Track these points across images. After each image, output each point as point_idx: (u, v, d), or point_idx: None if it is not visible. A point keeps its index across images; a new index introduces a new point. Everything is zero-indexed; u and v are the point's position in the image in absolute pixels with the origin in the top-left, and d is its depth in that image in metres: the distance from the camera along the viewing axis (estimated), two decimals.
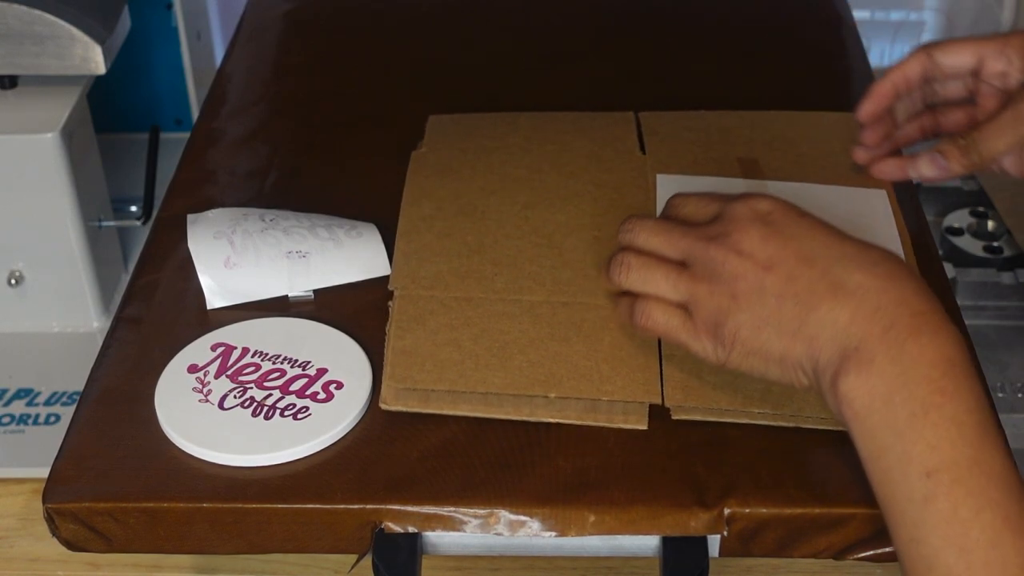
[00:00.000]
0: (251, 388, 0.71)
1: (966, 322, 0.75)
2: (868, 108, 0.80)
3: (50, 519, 0.66)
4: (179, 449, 0.68)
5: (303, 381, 0.71)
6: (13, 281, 1.00)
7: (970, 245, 1.06)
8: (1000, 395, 0.93)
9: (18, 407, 0.96)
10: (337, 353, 0.73)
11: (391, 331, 0.74)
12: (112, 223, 1.05)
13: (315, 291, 0.78)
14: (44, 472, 0.68)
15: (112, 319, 0.78)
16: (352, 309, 0.77)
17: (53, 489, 0.66)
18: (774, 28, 1.09)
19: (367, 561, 0.65)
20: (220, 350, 0.73)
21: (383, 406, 0.69)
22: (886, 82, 0.79)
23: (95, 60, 0.93)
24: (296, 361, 0.72)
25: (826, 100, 0.95)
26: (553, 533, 0.65)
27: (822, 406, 0.68)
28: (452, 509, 0.65)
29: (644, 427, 0.68)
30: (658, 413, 0.69)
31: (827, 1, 1.11)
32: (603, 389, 0.69)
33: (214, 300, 0.77)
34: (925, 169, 0.77)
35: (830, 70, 1.02)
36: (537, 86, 0.99)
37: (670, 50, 1.05)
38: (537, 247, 0.79)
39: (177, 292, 0.79)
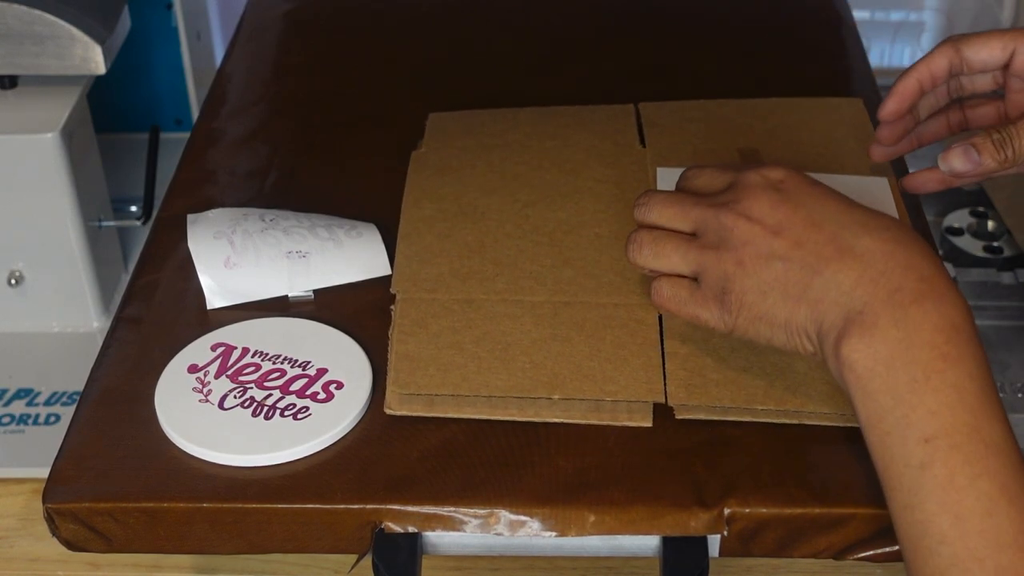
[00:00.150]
0: (251, 388, 0.71)
1: None
2: (891, 107, 0.76)
3: (50, 519, 0.66)
4: (179, 449, 0.68)
5: (303, 381, 0.71)
6: (13, 281, 1.00)
7: (970, 245, 1.06)
8: (1000, 395, 0.93)
9: (18, 407, 0.96)
10: (337, 353, 0.73)
11: (393, 336, 0.74)
12: (112, 223, 1.05)
13: (315, 291, 0.78)
14: (44, 472, 0.68)
15: (112, 319, 0.78)
16: (352, 309, 0.77)
17: (53, 489, 0.66)
18: (774, 28, 1.09)
19: (367, 561, 0.65)
20: (220, 350, 0.73)
21: (387, 411, 0.69)
22: (910, 79, 0.75)
23: (95, 60, 0.93)
24: (296, 361, 0.72)
25: None
26: (553, 533, 0.65)
27: (825, 402, 0.68)
28: (452, 509, 0.65)
29: (649, 424, 0.68)
30: (659, 412, 0.69)
31: (827, 1, 1.11)
32: (606, 389, 0.69)
33: (214, 300, 0.77)
34: (957, 162, 0.71)
35: (830, 70, 1.02)
36: (537, 86, 0.99)
37: (670, 50, 1.05)
38: (538, 245, 0.79)
39: (177, 292, 0.79)
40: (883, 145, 0.79)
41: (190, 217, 0.82)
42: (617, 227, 0.80)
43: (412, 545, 0.65)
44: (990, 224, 1.08)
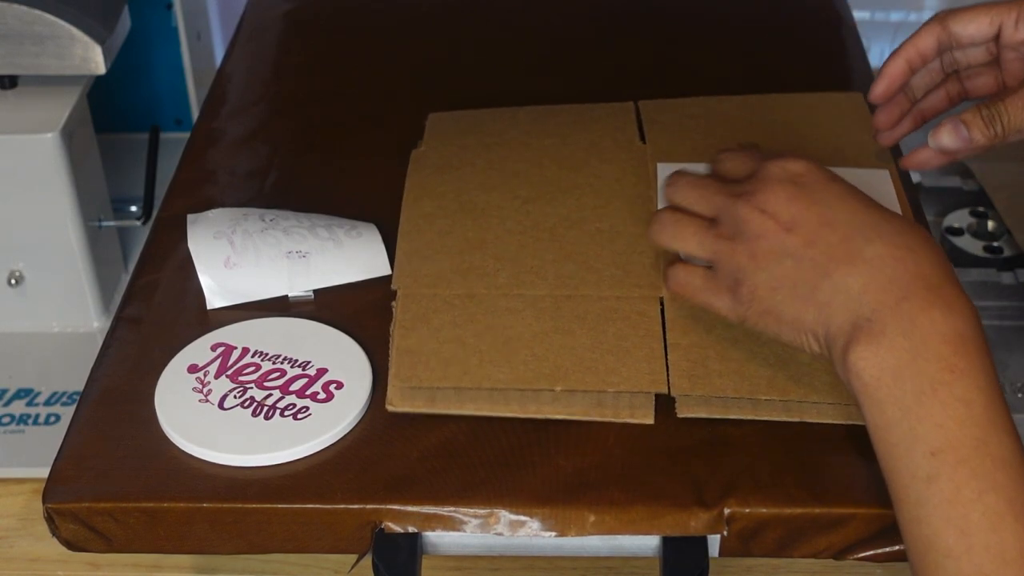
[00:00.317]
0: (251, 388, 0.71)
1: None
2: (880, 89, 0.76)
3: (50, 519, 0.66)
4: (179, 449, 0.68)
5: (303, 381, 0.71)
6: (13, 281, 1.00)
7: (970, 245, 1.06)
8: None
9: (18, 407, 0.96)
10: (337, 353, 0.73)
11: (395, 331, 0.74)
12: (112, 223, 1.05)
13: (315, 291, 0.78)
14: (44, 472, 0.68)
15: (112, 319, 0.78)
16: (352, 309, 0.77)
17: (53, 489, 0.67)
18: (774, 28, 1.09)
19: (367, 561, 0.66)
20: (220, 350, 0.73)
21: (390, 408, 0.69)
22: (899, 60, 0.75)
23: (95, 60, 0.93)
24: (296, 361, 0.72)
25: None
26: (553, 533, 0.65)
27: (828, 392, 0.68)
28: (452, 509, 0.65)
29: (650, 420, 0.68)
30: (659, 412, 0.69)
31: (827, 1, 1.11)
32: (608, 380, 0.69)
33: (214, 300, 0.77)
34: (946, 139, 0.70)
35: (830, 70, 1.02)
36: (537, 85, 0.99)
37: (670, 50, 1.05)
38: (538, 241, 0.79)
39: (177, 292, 0.79)
40: (882, 130, 0.79)
41: (190, 217, 0.82)
42: (618, 222, 0.80)
43: (412, 545, 0.65)
44: (990, 224, 1.08)
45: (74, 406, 0.73)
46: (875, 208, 0.62)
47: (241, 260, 0.78)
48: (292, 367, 0.72)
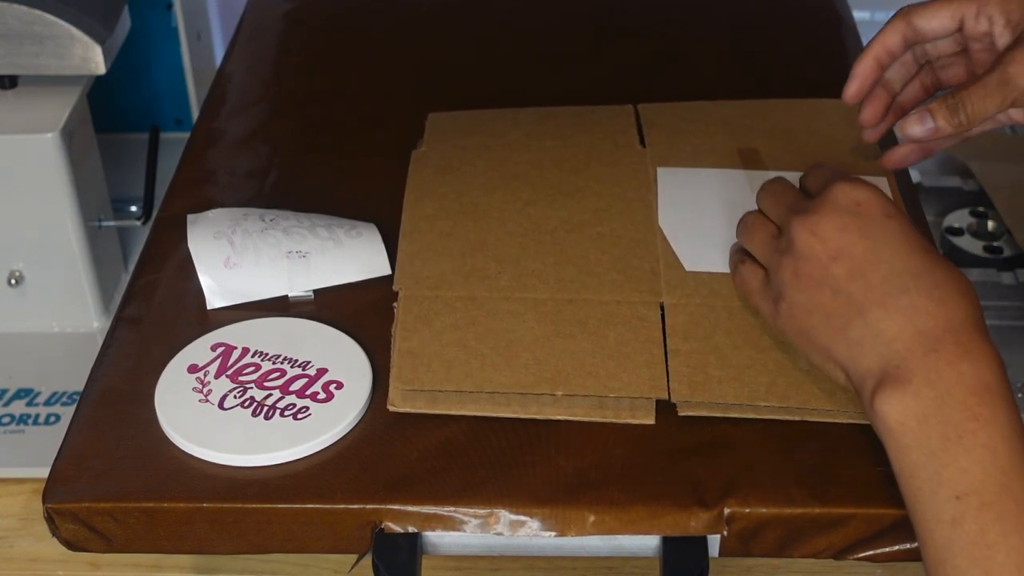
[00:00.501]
0: (251, 388, 0.71)
1: None
2: (853, 89, 0.78)
3: (50, 519, 0.66)
4: (179, 449, 0.68)
5: (303, 381, 0.71)
6: (13, 281, 1.00)
7: (970, 245, 1.06)
8: None
9: (18, 407, 0.96)
10: (337, 353, 0.73)
11: (396, 332, 0.74)
12: (112, 223, 1.05)
13: (315, 291, 0.78)
14: (44, 472, 0.68)
15: (112, 319, 0.78)
16: (352, 309, 0.77)
17: (53, 489, 0.66)
18: (774, 28, 1.09)
19: (367, 561, 0.65)
20: (220, 350, 0.73)
21: (391, 408, 0.69)
22: (867, 59, 0.77)
23: (95, 60, 0.93)
24: (296, 361, 0.72)
25: None
26: (553, 533, 0.65)
27: (827, 399, 0.68)
28: (452, 509, 0.65)
29: (651, 421, 0.68)
30: (660, 412, 0.69)
31: (827, 1, 1.11)
32: (609, 386, 0.69)
33: (214, 300, 0.77)
34: (913, 128, 0.73)
35: (830, 70, 1.02)
36: (537, 86, 0.99)
37: (670, 50, 1.05)
38: (540, 244, 0.79)
39: (177, 292, 0.79)
40: (867, 127, 0.80)
41: (190, 217, 0.82)
42: (618, 226, 0.80)
43: (412, 545, 0.65)
44: (990, 224, 1.08)
45: (74, 406, 0.73)
46: (920, 252, 0.63)
47: (241, 260, 0.78)
48: (292, 367, 0.72)
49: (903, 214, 0.65)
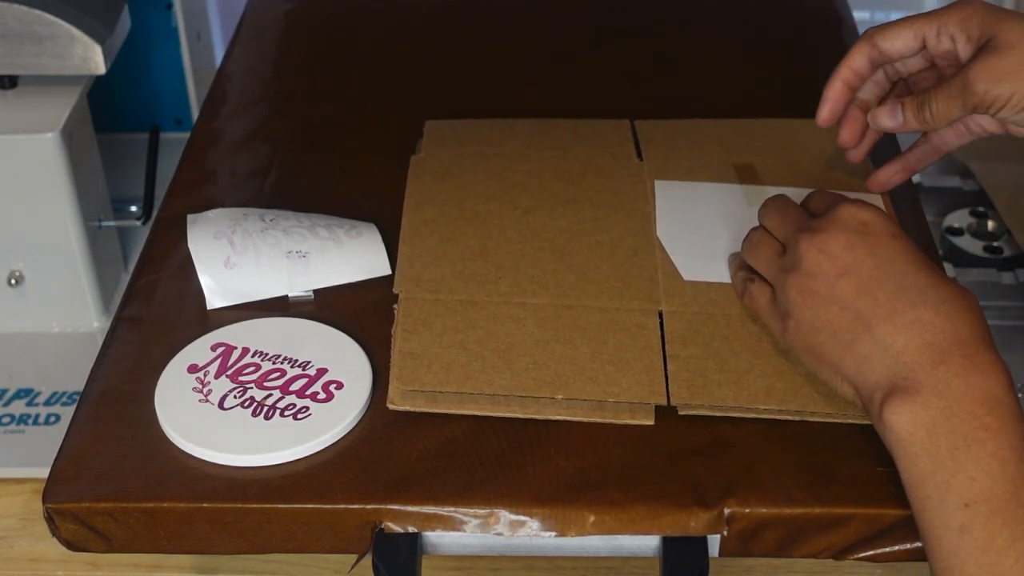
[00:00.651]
0: (251, 388, 0.71)
1: None
2: (825, 113, 0.79)
3: (50, 519, 0.66)
4: (179, 449, 0.68)
5: (303, 381, 0.71)
6: (13, 281, 1.00)
7: (970, 245, 1.06)
8: None
9: (18, 407, 0.96)
10: (337, 353, 0.73)
11: (397, 333, 0.74)
12: (112, 223, 1.05)
13: (315, 291, 0.78)
14: (44, 472, 0.68)
15: (112, 319, 0.78)
16: (352, 309, 0.77)
17: (53, 489, 0.66)
18: (774, 28, 1.09)
19: (367, 561, 0.65)
20: (220, 350, 0.73)
21: (391, 406, 0.69)
22: (836, 82, 0.78)
23: (95, 60, 0.93)
24: (296, 361, 0.72)
25: None
26: (553, 533, 0.65)
27: (826, 403, 0.68)
28: (452, 509, 0.65)
29: (651, 421, 0.68)
30: (660, 413, 0.69)
31: (827, 1, 1.11)
32: (609, 391, 0.70)
33: (214, 300, 0.77)
34: (883, 119, 0.76)
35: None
36: (537, 86, 0.99)
37: (670, 50, 1.05)
38: (539, 251, 0.80)
39: (177, 292, 0.79)
40: (849, 147, 0.81)
41: (190, 217, 0.82)
42: (617, 236, 0.81)
43: (412, 545, 0.65)
44: (990, 224, 1.08)
45: (74, 406, 0.73)
46: (927, 270, 0.64)
47: (241, 260, 0.78)
48: (292, 367, 0.72)
49: (906, 235, 0.66)
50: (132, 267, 0.84)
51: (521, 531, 0.65)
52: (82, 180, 0.98)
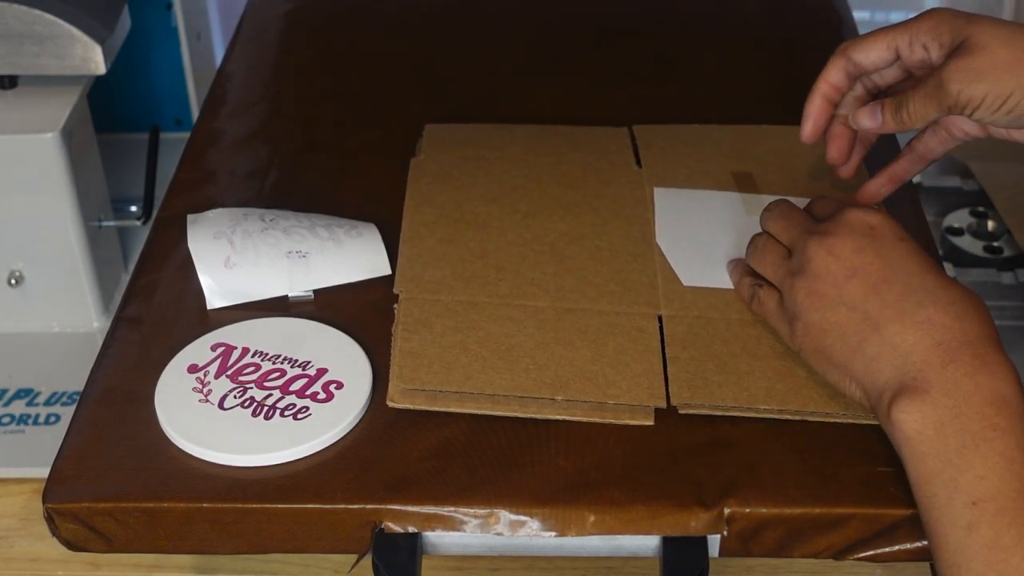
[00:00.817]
0: (251, 388, 0.71)
1: None
2: (808, 130, 0.79)
3: (50, 519, 0.66)
4: (179, 449, 0.68)
5: (303, 381, 0.71)
6: (13, 281, 1.00)
7: (970, 245, 1.06)
8: None
9: (18, 407, 0.96)
10: (337, 353, 0.73)
11: (397, 332, 0.74)
12: (112, 223, 1.05)
13: (315, 291, 0.78)
14: (44, 472, 0.68)
15: (112, 319, 0.78)
16: (352, 309, 0.77)
17: (53, 489, 0.66)
18: (774, 28, 1.09)
19: (367, 561, 0.65)
20: (220, 350, 0.73)
21: (390, 404, 0.69)
22: (815, 98, 0.78)
23: (95, 60, 0.93)
24: (296, 361, 0.72)
25: None
26: (553, 533, 0.65)
27: (826, 403, 0.68)
28: (452, 509, 0.65)
29: (651, 422, 0.68)
30: (659, 413, 0.69)
31: (827, 1, 1.11)
32: (609, 392, 0.70)
33: (214, 300, 0.77)
34: (863, 119, 0.76)
35: None
36: (537, 86, 0.99)
37: (670, 50, 1.05)
38: (540, 254, 0.80)
39: (177, 292, 0.79)
40: (838, 164, 0.81)
41: (190, 217, 0.82)
42: (616, 241, 0.81)
43: (412, 545, 0.65)
44: (990, 224, 1.08)
45: (74, 406, 0.73)
46: (934, 273, 0.65)
47: (241, 260, 0.78)
48: (292, 367, 0.72)
49: (913, 239, 0.66)
50: (132, 267, 0.84)
51: (521, 531, 0.65)
52: (82, 180, 0.98)
